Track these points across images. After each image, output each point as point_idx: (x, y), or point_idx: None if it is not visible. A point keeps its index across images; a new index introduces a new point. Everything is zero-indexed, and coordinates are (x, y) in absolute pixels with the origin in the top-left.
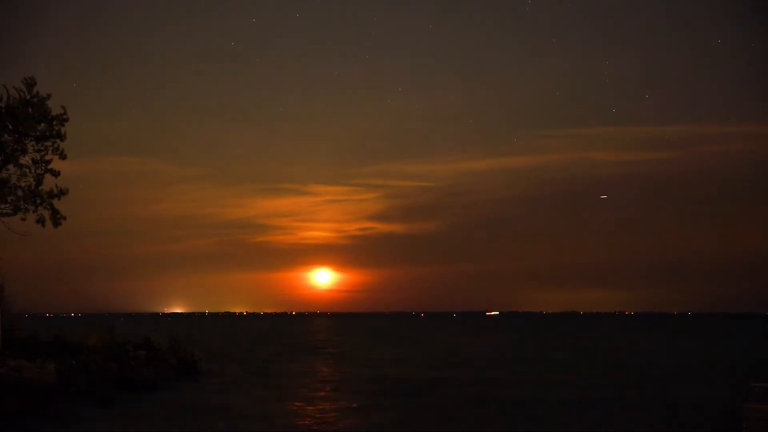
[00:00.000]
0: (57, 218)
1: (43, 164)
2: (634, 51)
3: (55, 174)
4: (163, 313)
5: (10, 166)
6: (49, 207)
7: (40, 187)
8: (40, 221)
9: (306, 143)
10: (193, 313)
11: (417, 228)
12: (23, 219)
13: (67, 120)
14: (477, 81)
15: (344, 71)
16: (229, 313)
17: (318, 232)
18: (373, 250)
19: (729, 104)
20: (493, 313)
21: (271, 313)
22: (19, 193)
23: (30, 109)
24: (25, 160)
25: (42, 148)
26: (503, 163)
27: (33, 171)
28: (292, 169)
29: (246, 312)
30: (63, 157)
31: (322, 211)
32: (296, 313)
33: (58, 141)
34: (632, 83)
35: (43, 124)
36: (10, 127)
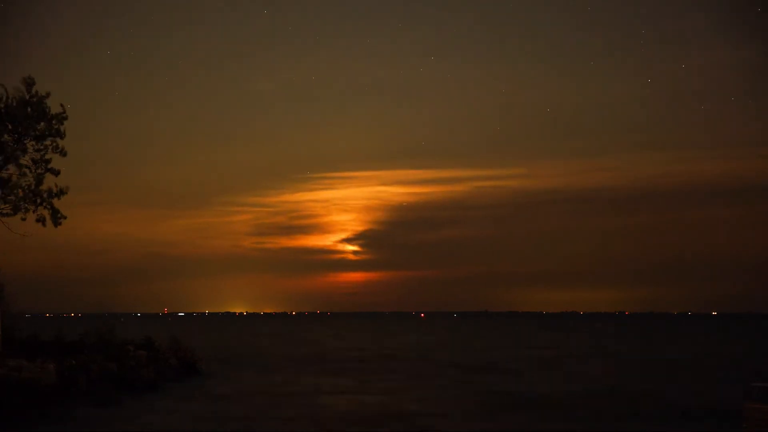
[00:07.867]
0: (57, 218)
1: (43, 164)
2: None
3: (56, 173)
4: (163, 313)
5: (10, 166)
6: (49, 207)
7: (40, 187)
8: (41, 221)
9: (164, 176)
10: (192, 314)
11: (306, 241)
12: (23, 219)
13: (66, 118)
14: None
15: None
16: (228, 312)
17: (227, 248)
18: (290, 262)
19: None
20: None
21: (271, 313)
22: (20, 192)
23: (29, 109)
24: (25, 160)
25: (41, 147)
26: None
27: (33, 171)
28: (164, 198)
29: (246, 312)
30: (63, 154)
31: (212, 228)
32: (296, 313)
33: (57, 139)
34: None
35: (42, 123)
36: (10, 127)
